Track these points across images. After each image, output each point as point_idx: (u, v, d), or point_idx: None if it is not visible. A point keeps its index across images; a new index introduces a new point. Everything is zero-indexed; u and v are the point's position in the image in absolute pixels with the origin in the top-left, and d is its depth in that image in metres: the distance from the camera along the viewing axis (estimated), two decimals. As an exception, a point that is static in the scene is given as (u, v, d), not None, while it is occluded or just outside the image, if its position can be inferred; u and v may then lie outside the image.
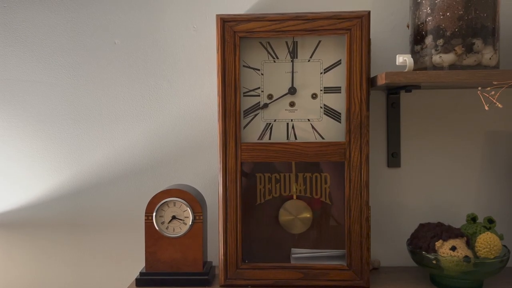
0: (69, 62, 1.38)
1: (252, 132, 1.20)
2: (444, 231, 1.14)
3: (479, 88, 1.02)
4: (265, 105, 1.19)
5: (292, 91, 1.19)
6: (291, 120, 1.19)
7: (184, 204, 1.19)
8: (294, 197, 1.23)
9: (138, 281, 1.19)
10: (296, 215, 1.24)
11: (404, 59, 1.08)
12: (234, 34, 1.14)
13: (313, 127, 1.19)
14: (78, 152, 1.39)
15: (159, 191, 1.20)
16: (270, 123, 1.20)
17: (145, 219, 1.19)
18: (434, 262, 1.12)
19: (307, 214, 1.23)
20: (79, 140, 1.38)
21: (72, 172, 1.39)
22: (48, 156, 1.39)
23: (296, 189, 1.23)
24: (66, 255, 1.40)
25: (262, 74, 1.19)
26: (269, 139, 1.20)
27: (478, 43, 1.09)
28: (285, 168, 1.23)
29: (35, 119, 1.39)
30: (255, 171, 1.23)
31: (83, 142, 1.38)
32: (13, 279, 1.41)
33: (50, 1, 1.37)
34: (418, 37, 1.15)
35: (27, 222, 1.40)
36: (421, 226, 1.21)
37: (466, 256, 1.09)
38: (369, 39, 1.14)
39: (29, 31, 1.38)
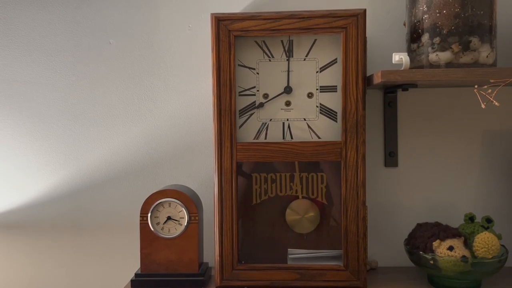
0: (64, 62, 1.37)
1: (248, 132, 1.19)
2: (441, 231, 1.13)
3: (476, 86, 1.01)
4: (261, 105, 1.18)
5: (288, 90, 1.18)
6: (287, 120, 1.18)
7: (180, 204, 1.18)
8: (300, 197, 1.22)
9: (133, 283, 1.18)
10: (303, 214, 1.22)
11: (400, 58, 1.07)
12: (229, 33, 1.13)
13: (309, 126, 1.18)
14: (73, 153, 1.38)
15: (154, 191, 1.19)
16: (265, 123, 1.19)
17: (140, 220, 1.19)
18: (431, 262, 1.11)
19: (313, 213, 1.22)
20: (74, 141, 1.38)
21: (67, 172, 1.38)
22: (43, 157, 1.38)
23: (293, 189, 1.22)
24: (61, 255, 1.39)
25: (257, 73, 1.18)
26: (265, 138, 1.19)
27: (475, 41, 1.08)
28: (281, 168, 1.22)
29: (30, 119, 1.38)
30: (250, 171, 1.22)
31: (78, 143, 1.37)
32: (9, 279, 1.40)
33: (45, 1, 1.36)
34: (414, 35, 1.14)
35: (22, 223, 1.39)
36: (419, 226, 1.20)
37: (463, 256, 1.08)
38: (365, 38, 1.13)
39: (24, 31, 1.37)
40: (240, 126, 1.18)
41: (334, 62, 1.17)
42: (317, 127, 1.18)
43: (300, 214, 1.23)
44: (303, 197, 1.22)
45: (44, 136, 1.38)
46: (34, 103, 1.38)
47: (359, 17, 1.11)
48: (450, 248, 1.09)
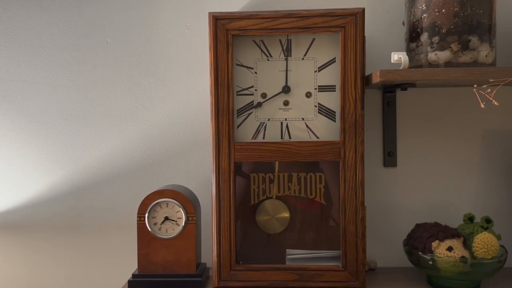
0: (61, 62, 1.36)
1: (246, 132, 1.18)
2: (440, 231, 1.13)
3: (475, 85, 1.00)
4: (259, 104, 1.18)
5: (286, 89, 1.17)
6: (285, 119, 1.18)
7: (177, 205, 1.18)
8: (274, 197, 1.22)
9: (130, 283, 1.17)
10: (273, 215, 1.22)
11: (399, 57, 1.07)
12: (226, 32, 1.13)
13: (307, 126, 1.18)
14: (70, 153, 1.37)
15: (151, 191, 1.19)
16: (264, 123, 1.18)
17: (138, 220, 1.18)
18: (430, 262, 1.10)
19: (285, 214, 1.22)
20: (71, 140, 1.37)
21: (64, 172, 1.37)
22: (40, 157, 1.37)
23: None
24: (58, 256, 1.38)
25: (255, 73, 1.17)
26: (263, 138, 1.18)
27: (474, 40, 1.08)
28: (279, 168, 1.21)
29: (27, 119, 1.37)
30: (249, 171, 1.22)
31: (75, 142, 1.37)
32: (7, 279, 1.39)
33: (43, 0, 1.35)
34: (413, 35, 1.13)
35: (20, 223, 1.38)
36: (418, 226, 1.20)
37: (462, 257, 1.08)
38: (363, 37, 1.12)
39: (20, 30, 1.36)
40: (238, 126, 1.18)
41: (332, 61, 1.16)
42: (315, 126, 1.17)
43: (270, 214, 1.22)
44: (298, 198, 1.22)
45: (41, 136, 1.37)
46: (31, 102, 1.37)
47: (357, 16, 1.11)
48: (449, 249, 1.09)
